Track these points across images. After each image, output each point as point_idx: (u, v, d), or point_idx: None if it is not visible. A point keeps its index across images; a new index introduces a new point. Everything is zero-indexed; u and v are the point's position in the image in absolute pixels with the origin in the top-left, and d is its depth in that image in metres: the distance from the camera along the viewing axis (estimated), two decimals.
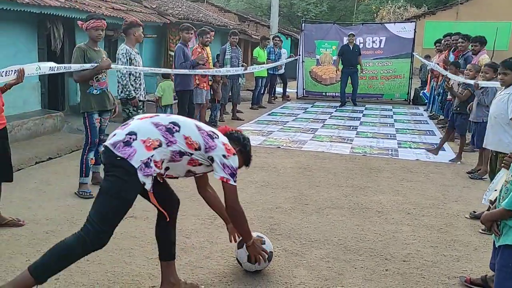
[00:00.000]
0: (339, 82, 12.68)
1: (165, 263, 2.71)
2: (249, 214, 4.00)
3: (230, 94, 9.39)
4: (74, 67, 4.46)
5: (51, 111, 7.49)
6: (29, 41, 7.40)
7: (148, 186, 2.32)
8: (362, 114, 10.72)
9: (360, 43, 12.58)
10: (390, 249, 3.43)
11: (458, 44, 8.27)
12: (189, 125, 2.48)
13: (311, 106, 11.92)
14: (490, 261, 2.56)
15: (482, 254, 3.36)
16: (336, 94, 13.01)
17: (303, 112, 10.81)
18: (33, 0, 6.37)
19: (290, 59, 13.18)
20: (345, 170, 5.66)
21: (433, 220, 4.06)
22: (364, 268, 3.11)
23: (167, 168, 2.44)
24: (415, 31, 12.67)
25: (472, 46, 7.52)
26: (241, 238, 2.90)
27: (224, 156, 2.47)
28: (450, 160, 6.26)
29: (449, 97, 7.79)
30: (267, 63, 11.05)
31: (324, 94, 13.52)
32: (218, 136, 2.54)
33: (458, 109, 6.32)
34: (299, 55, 13.68)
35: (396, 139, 7.82)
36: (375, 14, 30.75)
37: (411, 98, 12.89)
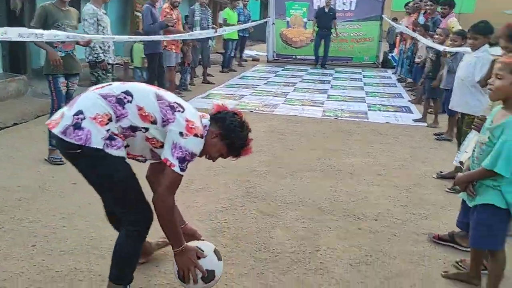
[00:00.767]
0: (310, 45, 12.70)
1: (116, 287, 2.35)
2: (225, 178, 4.06)
3: (200, 57, 9.23)
4: (47, 35, 4.20)
5: (14, 74, 7.18)
6: None
7: (125, 157, 2.10)
8: (332, 77, 10.79)
9: (331, 5, 12.50)
10: (362, 209, 3.56)
11: (426, 7, 8.33)
12: (145, 94, 2.13)
13: (282, 70, 11.88)
14: (458, 219, 2.70)
15: (449, 212, 3.53)
16: (307, 57, 13.02)
17: (274, 76, 10.78)
18: None
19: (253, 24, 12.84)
20: (317, 134, 5.74)
21: (402, 181, 4.21)
22: (338, 228, 3.23)
23: (127, 145, 2.14)
24: None
25: (441, 9, 7.60)
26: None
27: (181, 133, 2.06)
28: (414, 120, 6.50)
29: (416, 60, 7.91)
30: (237, 25, 10.86)
31: (294, 57, 13.47)
32: (183, 109, 2.13)
33: (430, 74, 6.44)
34: (269, 17, 13.48)
35: (365, 102, 7.95)
36: None
37: (380, 61, 13.03)
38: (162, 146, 2.11)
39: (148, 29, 6.54)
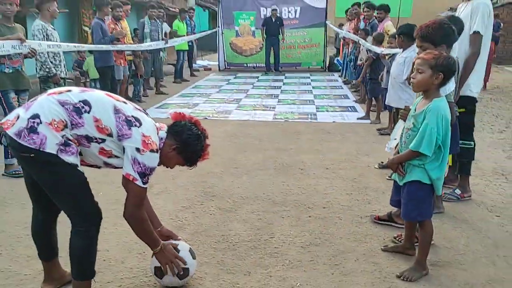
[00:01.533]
0: (259, 53, 13.14)
1: (48, 263, 2.49)
2: (183, 180, 4.26)
3: (153, 68, 9.36)
4: None
5: None
6: None
7: (78, 165, 2.13)
8: (282, 83, 11.19)
9: (276, 10, 12.96)
10: (311, 199, 3.86)
11: (364, 13, 8.89)
12: (103, 106, 2.13)
13: (234, 78, 12.18)
14: (391, 198, 3.05)
15: (389, 196, 3.85)
16: (257, 65, 13.41)
17: (226, 84, 11.05)
18: None
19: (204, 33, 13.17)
20: (269, 135, 6.05)
21: (348, 172, 4.57)
22: (290, 217, 3.51)
23: (80, 153, 2.16)
24: (326, 1, 13.27)
25: (377, 13, 8.14)
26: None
27: (137, 149, 2.10)
28: (358, 118, 6.95)
29: (359, 62, 8.41)
30: (187, 36, 11.08)
31: (245, 65, 13.82)
32: (140, 124, 2.15)
33: (369, 75, 6.92)
34: (218, 27, 13.79)
35: (314, 104, 8.36)
36: None
37: (327, 65, 13.61)
38: (116, 157, 2.17)
39: (99, 43, 6.64)
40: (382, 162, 4.70)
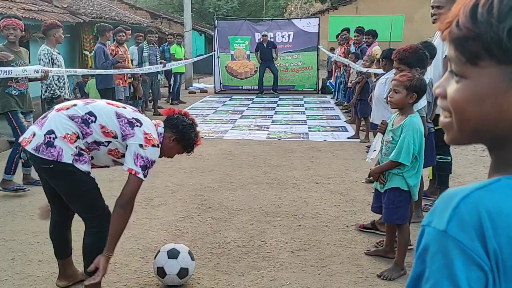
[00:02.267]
0: (254, 76, 13.57)
1: (63, 261, 2.76)
2: (181, 194, 4.53)
3: (150, 91, 9.70)
4: (15, 71, 4.53)
5: None
6: None
7: (91, 172, 2.44)
8: (276, 104, 11.55)
9: (270, 38, 13.45)
10: (302, 210, 4.14)
11: (354, 38, 9.33)
12: (107, 114, 2.43)
13: (229, 99, 12.53)
14: (372, 205, 3.33)
15: None
16: (252, 87, 13.81)
17: (222, 105, 11.40)
18: None
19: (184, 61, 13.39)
20: (263, 153, 6.34)
21: (336, 187, 4.86)
22: (281, 226, 3.78)
23: (91, 157, 2.47)
24: (319, 26, 13.77)
25: (366, 38, 8.57)
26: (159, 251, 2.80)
27: (140, 145, 2.38)
28: (348, 137, 7.27)
29: (348, 84, 8.79)
30: (184, 59, 11.47)
31: (240, 87, 14.20)
32: (141, 124, 2.45)
33: (359, 96, 7.28)
34: (214, 51, 14.23)
35: (307, 124, 8.69)
36: (283, 9, 32.19)
37: (320, 87, 14.02)
38: (123, 156, 2.45)
39: (102, 67, 6.97)
40: (369, 177, 5.00)
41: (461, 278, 0.54)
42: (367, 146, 6.55)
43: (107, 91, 7.11)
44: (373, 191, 4.56)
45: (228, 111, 10.42)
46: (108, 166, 2.67)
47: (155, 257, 2.79)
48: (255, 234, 3.61)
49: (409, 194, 2.96)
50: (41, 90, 5.71)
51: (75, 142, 2.37)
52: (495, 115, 0.58)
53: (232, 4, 35.92)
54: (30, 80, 4.93)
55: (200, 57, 13.07)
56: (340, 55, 10.43)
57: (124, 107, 2.58)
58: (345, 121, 8.90)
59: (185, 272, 2.73)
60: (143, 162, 2.38)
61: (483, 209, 0.55)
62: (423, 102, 3.28)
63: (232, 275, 2.96)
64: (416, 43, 3.60)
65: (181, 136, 2.58)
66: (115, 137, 2.43)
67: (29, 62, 5.09)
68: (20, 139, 2.50)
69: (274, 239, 3.52)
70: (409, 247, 3.16)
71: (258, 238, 3.53)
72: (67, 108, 2.45)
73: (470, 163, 5.88)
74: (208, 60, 14.81)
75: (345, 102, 10.39)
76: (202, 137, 7.23)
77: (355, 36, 9.20)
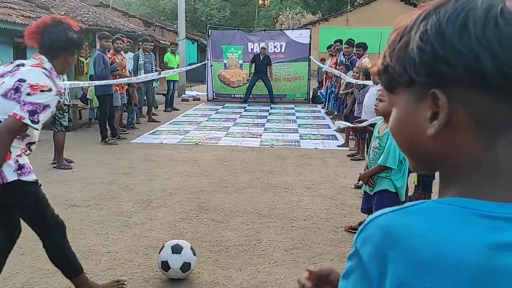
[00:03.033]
0: (246, 85, 13.85)
1: (76, 279, 2.70)
2: (179, 197, 4.74)
3: (145, 97, 9.91)
4: None
5: None
6: None
7: (38, 180, 2.46)
8: (268, 113, 11.81)
9: (265, 48, 13.75)
10: (294, 213, 4.37)
11: (344, 49, 9.65)
12: (2, 107, 2.28)
13: (222, 107, 12.78)
14: (362, 207, 3.58)
15: None
16: (244, 96, 14.08)
17: (215, 113, 11.63)
18: None
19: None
20: (256, 159, 6.58)
21: (327, 191, 5.10)
22: (275, 227, 4.00)
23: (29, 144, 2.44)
24: (310, 37, 14.12)
25: (356, 50, 8.88)
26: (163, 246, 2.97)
27: (28, 94, 2.25)
28: (338, 145, 7.54)
29: (341, 92, 9.08)
30: (177, 68, 11.71)
31: (232, 96, 14.46)
32: (23, 81, 2.28)
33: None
34: (208, 59, 14.50)
35: (298, 132, 8.96)
36: (275, 20, 32.65)
37: (310, 97, 14.33)
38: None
39: (101, 74, 7.17)
40: (357, 183, 5.25)
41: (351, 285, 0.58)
42: (348, 155, 6.81)
43: (105, 98, 7.31)
44: (361, 195, 4.84)
45: (221, 118, 10.65)
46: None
47: (159, 252, 2.99)
48: (251, 234, 3.83)
49: (397, 195, 3.21)
50: None
51: (11, 155, 2.32)
52: (416, 136, 0.59)
53: (224, 13, 36.31)
54: None
55: (194, 66, 13.30)
56: (330, 66, 10.75)
57: (3, 82, 2.35)
58: (335, 130, 9.17)
59: (188, 266, 2.94)
60: (31, 107, 2.24)
61: (390, 229, 0.56)
62: None
63: (230, 270, 3.17)
64: None
65: (65, 47, 2.42)
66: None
67: None
68: None
69: (268, 238, 3.74)
70: None
71: (254, 238, 3.75)
72: None
73: None
74: (201, 68, 15.08)
75: (335, 112, 10.69)
76: (197, 143, 7.54)
77: (345, 48, 9.53)
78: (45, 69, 2.38)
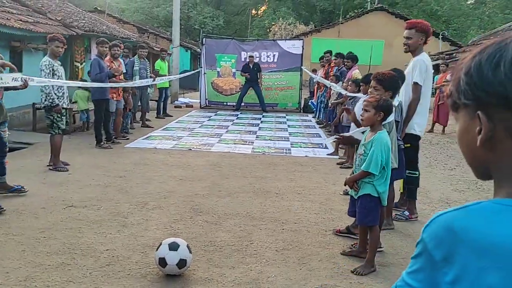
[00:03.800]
0: (238, 93, 14.06)
1: None
2: (173, 200, 4.90)
3: (140, 103, 10.05)
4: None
5: None
6: None
7: None
8: (260, 121, 12.02)
9: (256, 57, 14.00)
10: (285, 216, 4.55)
11: (334, 60, 9.91)
12: None
13: (215, 115, 12.95)
14: (348, 210, 3.77)
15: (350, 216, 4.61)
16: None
17: (208, 120, 11.80)
18: None
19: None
20: (248, 165, 6.75)
21: (316, 197, 5.29)
22: (267, 229, 4.18)
23: None
24: (303, 48, 14.40)
25: (345, 62, 9.13)
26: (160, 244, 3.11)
27: None
28: (327, 154, 7.75)
29: (330, 104, 9.32)
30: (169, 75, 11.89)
31: (225, 103, 14.65)
32: None
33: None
34: (201, 67, 14.70)
35: (289, 140, 9.16)
36: (268, 29, 33.02)
37: (302, 106, 14.58)
38: None
39: (95, 78, 7.31)
40: (346, 190, 5.45)
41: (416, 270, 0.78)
42: (337, 163, 7.02)
43: (101, 102, 7.44)
44: (349, 200, 5.04)
45: (214, 125, 10.83)
46: None
47: (157, 249, 3.15)
48: (243, 235, 4.00)
49: (379, 199, 3.41)
50: (41, 99, 6.03)
51: None
52: (471, 146, 0.76)
53: (218, 22, 36.62)
54: (7, 89, 4.89)
55: (188, 73, 13.48)
56: (322, 76, 11.01)
57: None
58: (325, 139, 9.40)
59: (184, 263, 3.10)
60: None
61: (453, 224, 0.72)
62: (390, 117, 3.76)
63: (224, 268, 3.34)
64: (390, 70, 4.11)
65: None
66: None
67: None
68: None
69: (260, 240, 3.91)
70: (379, 249, 3.61)
71: (246, 239, 3.91)
72: None
73: (439, 181, 6.41)
74: (193, 75, 15.27)
75: (325, 121, 10.92)
76: (190, 149, 7.70)
77: (334, 59, 9.79)
78: None
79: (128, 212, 4.46)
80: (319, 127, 11.01)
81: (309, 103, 14.27)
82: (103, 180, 5.59)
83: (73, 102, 9.51)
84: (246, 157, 7.41)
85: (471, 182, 6.34)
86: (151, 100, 13.53)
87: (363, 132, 3.71)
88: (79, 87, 8.96)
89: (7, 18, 8.31)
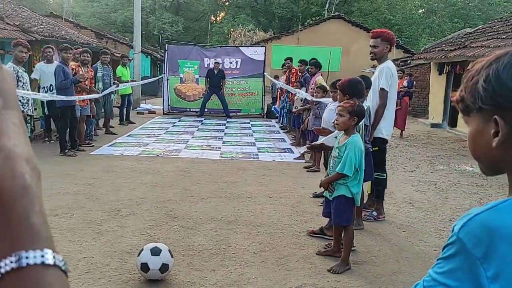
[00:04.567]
0: (202, 99, 14.08)
1: None
2: (147, 206, 4.89)
3: (103, 110, 9.89)
4: None
5: None
6: None
7: None
8: (225, 126, 12.08)
9: (219, 63, 14.07)
10: (259, 219, 4.65)
11: (298, 67, 10.15)
12: None
13: (179, 121, 12.90)
14: (323, 211, 3.92)
15: (321, 218, 4.76)
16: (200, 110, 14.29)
17: (172, 126, 11.75)
18: None
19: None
20: (218, 171, 6.81)
21: (288, 200, 5.42)
22: (242, 232, 4.26)
23: None
24: (265, 55, 14.61)
25: (309, 68, 9.38)
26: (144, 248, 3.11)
27: None
28: (294, 158, 7.93)
29: (293, 110, 9.53)
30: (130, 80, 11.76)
31: (188, 109, 14.61)
32: None
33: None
34: (164, 73, 14.61)
35: (256, 145, 9.29)
36: (227, 36, 33.17)
37: (265, 112, 14.77)
38: None
39: (60, 85, 7.16)
40: (315, 192, 5.63)
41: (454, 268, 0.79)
42: (304, 167, 7.21)
43: (67, 109, 7.29)
44: (320, 203, 5.20)
45: (179, 131, 10.80)
46: None
47: (138, 255, 3.16)
48: (220, 239, 4.06)
49: (353, 200, 3.58)
50: None
51: None
52: (484, 147, 0.83)
53: (177, 28, 36.43)
54: None
55: (151, 80, 13.36)
56: (284, 82, 11.23)
57: None
58: (290, 144, 9.59)
59: (166, 267, 3.13)
60: None
61: (488, 224, 0.76)
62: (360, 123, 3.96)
63: (204, 271, 3.39)
64: (355, 76, 4.31)
65: None
66: None
67: None
68: None
69: (237, 243, 3.99)
70: (352, 248, 3.77)
71: (223, 242, 3.98)
72: None
73: (401, 182, 6.71)
74: (154, 81, 15.12)
75: (288, 126, 11.14)
76: (158, 155, 7.66)
77: (298, 66, 10.03)
78: None
79: (101, 219, 4.41)
80: (283, 132, 11.21)
81: (272, 109, 14.48)
82: (72, 188, 5.50)
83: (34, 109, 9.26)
84: (214, 162, 7.46)
85: (431, 183, 6.69)
86: (114, 106, 13.38)
87: (336, 137, 3.88)
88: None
89: None
